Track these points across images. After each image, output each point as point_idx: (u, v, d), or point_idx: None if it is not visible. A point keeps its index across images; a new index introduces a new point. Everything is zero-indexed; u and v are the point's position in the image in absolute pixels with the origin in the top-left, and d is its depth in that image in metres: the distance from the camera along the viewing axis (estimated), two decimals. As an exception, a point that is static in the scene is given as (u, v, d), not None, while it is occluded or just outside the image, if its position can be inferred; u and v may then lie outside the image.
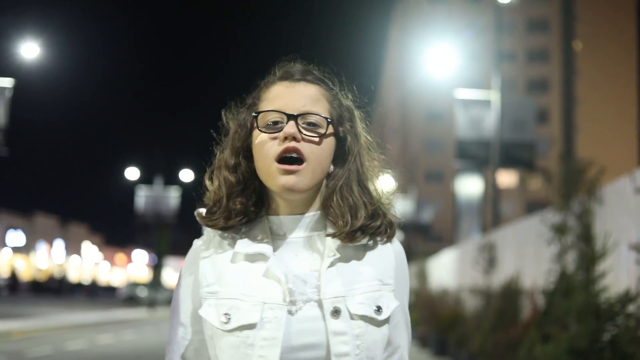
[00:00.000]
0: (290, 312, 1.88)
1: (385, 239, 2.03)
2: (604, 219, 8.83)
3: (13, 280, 68.76)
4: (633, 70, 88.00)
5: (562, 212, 9.51)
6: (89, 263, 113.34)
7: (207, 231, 2.08)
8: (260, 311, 1.87)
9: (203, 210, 2.06)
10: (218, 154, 2.09)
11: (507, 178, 75.18)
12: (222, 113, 2.13)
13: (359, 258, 1.98)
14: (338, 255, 1.93)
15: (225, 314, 1.90)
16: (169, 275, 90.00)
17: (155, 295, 49.27)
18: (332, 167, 2.03)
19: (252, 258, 1.97)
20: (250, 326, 1.86)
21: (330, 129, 1.99)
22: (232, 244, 2.01)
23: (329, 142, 1.99)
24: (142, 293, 61.09)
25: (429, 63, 24.05)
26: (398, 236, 2.09)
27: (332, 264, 1.92)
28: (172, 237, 69.90)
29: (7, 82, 22.93)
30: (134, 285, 66.43)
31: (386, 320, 1.94)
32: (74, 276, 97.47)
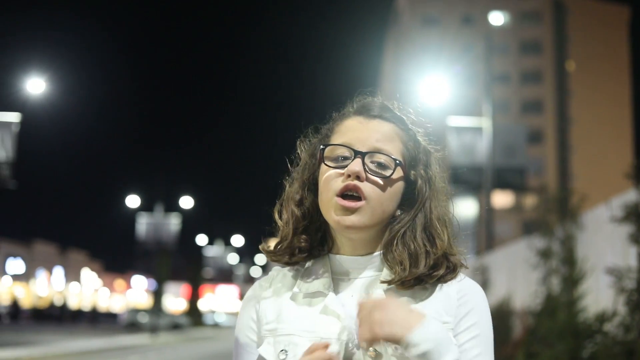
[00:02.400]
0: (349, 351, 1.81)
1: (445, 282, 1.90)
2: (584, 244, 9.45)
3: (14, 308, 68.85)
4: (626, 88, 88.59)
5: (547, 238, 10.15)
6: (88, 290, 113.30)
7: (272, 271, 2.06)
8: None
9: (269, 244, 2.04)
10: (287, 186, 2.04)
11: (502, 198, 75.54)
12: (297, 143, 2.08)
13: (414, 297, 1.87)
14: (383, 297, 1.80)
15: (282, 350, 1.85)
16: (170, 300, 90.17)
17: (157, 320, 49.49)
18: (399, 211, 1.92)
19: (312, 296, 1.90)
20: None
21: (399, 172, 1.89)
22: (294, 283, 1.96)
23: (396, 185, 1.89)
24: (143, 319, 61.27)
25: (423, 90, 24.54)
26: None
27: None
28: (172, 263, 70.32)
29: (14, 117, 23.42)
30: (135, 311, 66.40)
31: None
32: (74, 303, 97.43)
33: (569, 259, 9.49)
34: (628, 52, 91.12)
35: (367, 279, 1.90)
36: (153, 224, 54.40)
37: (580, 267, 9.20)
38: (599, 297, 8.68)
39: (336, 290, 1.91)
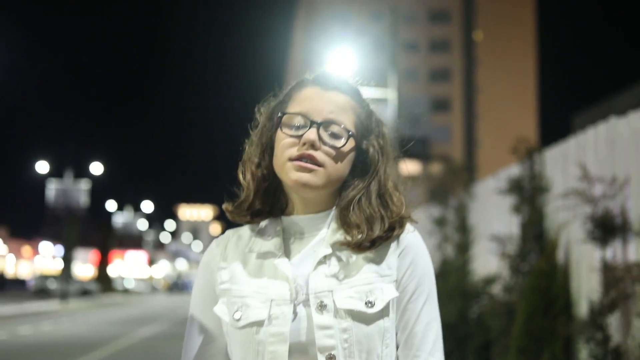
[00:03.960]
0: (297, 310, 1.88)
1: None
2: (476, 213, 10.21)
3: None
4: (531, 59, 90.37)
5: (443, 206, 10.91)
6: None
7: (228, 231, 2.13)
8: (268, 308, 1.88)
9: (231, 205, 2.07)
10: (247, 147, 2.09)
11: (410, 166, 76.61)
12: (257, 107, 2.11)
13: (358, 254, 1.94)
14: (329, 252, 1.92)
15: (237, 311, 1.92)
16: (78, 267, 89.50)
17: (67, 287, 49.39)
18: (351, 177, 1.99)
19: (264, 256, 1.97)
20: (259, 323, 1.88)
21: (351, 142, 1.96)
22: (247, 244, 2.03)
23: (348, 153, 1.96)
24: (52, 285, 61.04)
25: (331, 61, 24.88)
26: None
27: (321, 261, 1.91)
28: (81, 229, 69.85)
29: None
30: (44, 277, 65.90)
31: (381, 313, 1.88)
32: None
33: (461, 227, 10.26)
34: (534, 22, 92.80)
35: (318, 238, 1.98)
36: (62, 190, 54.17)
37: (471, 234, 9.99)
38: (486, 261, 9.41)
39: (288, 250, 1.99)
